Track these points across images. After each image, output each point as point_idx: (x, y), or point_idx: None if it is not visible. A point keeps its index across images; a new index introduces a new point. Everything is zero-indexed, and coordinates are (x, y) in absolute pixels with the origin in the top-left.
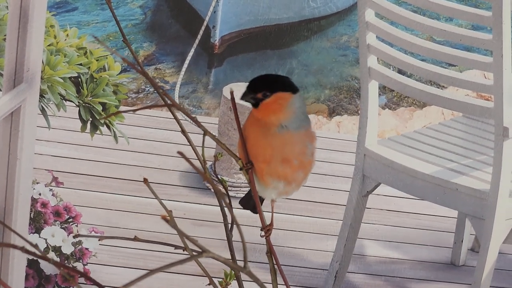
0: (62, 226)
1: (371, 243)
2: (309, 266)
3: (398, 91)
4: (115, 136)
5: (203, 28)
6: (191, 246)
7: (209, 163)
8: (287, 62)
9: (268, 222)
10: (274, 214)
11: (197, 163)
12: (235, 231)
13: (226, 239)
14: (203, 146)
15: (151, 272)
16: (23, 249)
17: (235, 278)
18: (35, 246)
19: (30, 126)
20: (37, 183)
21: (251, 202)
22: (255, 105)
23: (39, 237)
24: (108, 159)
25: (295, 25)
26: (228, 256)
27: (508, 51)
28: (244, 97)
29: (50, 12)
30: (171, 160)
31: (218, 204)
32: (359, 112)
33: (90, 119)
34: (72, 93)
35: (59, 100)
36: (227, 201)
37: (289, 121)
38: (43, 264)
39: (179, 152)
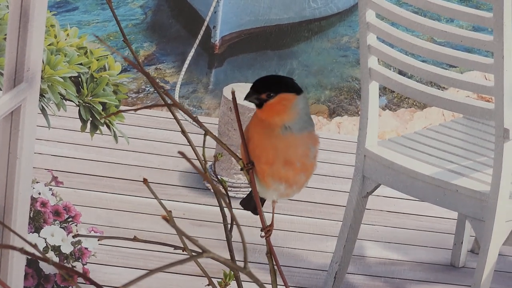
0: (62, 226)
1: (371, 244)
2: (308, 267)
3: (398, 92)
4: (115, 136)
5: (203, 28)
6: (190, 246)
7: (209, 163)
8: (287, 62)
9: (268, 222)
10: (274, 214)
11: (197, 163)
12: (235, 232)
13: (225, 239)
14: (204, 146)
15: (151, 272)
16: (22, 250)
17: (234, 279)
18: (35, 246)
19: (30, 125)
20: (37, 182)
21: (251, 203)
22: (259, 105)
23: (39, 236)
24: (108, 159)
25: (295, 25)
26: (228, 256)
27: (509, 52)
28: (248, 97)
29: (50, 11)
30: (171, 160)
31: (218, 205)
32: (359, 113)
33: (90, 118)
34: (72, 92)
35: (59, 100)
36: (227, 201)
37: (292, 122)
38: (42, 263)
39: (179, 152)
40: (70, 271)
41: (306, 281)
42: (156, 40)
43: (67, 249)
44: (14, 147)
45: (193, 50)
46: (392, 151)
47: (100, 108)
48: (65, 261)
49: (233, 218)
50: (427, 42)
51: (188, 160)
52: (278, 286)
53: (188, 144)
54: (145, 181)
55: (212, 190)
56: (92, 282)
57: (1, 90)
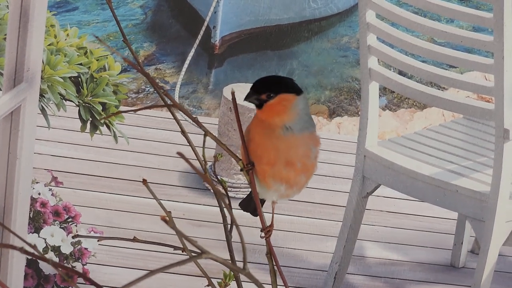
0: (62, 226)
1: (370, 245)
2: (308, 267)
3: (398, 92)
4: (115, 136)
5: (203, 28)
6: (190, 247)
7: (208, 164)
8: (287, 62)
9: (268, 223)
10: (274, 215)
11: (196, 164)
12: (235, 232)
13: (225, 239)
14: (203, 147)
15: (151, 273)
16: (22, 250)
17: (234, 279)
18: (34, 246)
19: (30, 125)
20: (37, 182)
21: (251, 205)
22: (259, 106)
23: (38, 236)
24: (107, 159)
25: (295, 25)
26: (228, 257)
27: (509, 53)
28: (248, 98)
29: (50, 11)
30: (170, 160)
31: (218, 205)
32: (359, 113)
33: (90, 119)
34: (72, 92)
35: (59, 100)
36: (227, 202)
37: (293, 122)
38: (42, 263)
39: (178, 153)
40: (70, 271)
41: (306, 282)
42: (156, 40)
43: (67, 249)
44: (14, 147)
45: (193, 50)
46: (392, 151)
47: (100, 108)
48: (65, 261)
49: (232, 219)
50: (427, 43)
51: (187, 160)
52: (278, 287)
53: (188, 144)
54: (144, 182)
55: (212, 191)
56: (92, 283)
57: (1, 90)
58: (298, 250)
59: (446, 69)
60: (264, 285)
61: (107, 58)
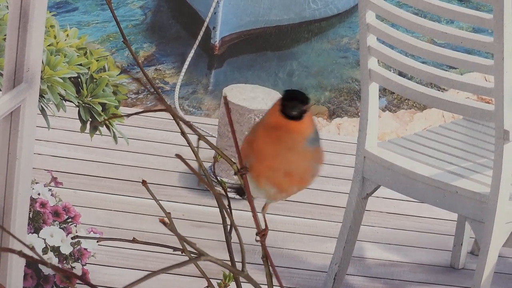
0: (61, 226)
1: (370, 246)
2: (308, 268)
3: (398, 93)
4: (114, 137)
5: (203, 29)
6: (189, 248)
7: (208, 165)
8: (287, 63)
9: (265, 226)
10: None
11: (195, 165)
12: (234, 233)
13: (225, 240)
14: (197, 150)
15: (152, 274)
16: (20, 254)
17: (233, 280)
18: (32, 249)
19: (29, 126)
20: (36, 183)
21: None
22: (297, 117)
23: (38, 237)
24: (107, 160)
25: (295, 26)
26: (227, 257)
27: (509, 53)
28: (297, 109)
29: (50, 12)
30: (170, 161)
31: (217, 206)
32: (359, 114)
33: (90, 119)
34: (72, 93)
35: (59, 100)
36: (226, 203)
37: (312, 135)
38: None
39: (177, 155)
40: (69, 273)
41: (306, 282)
42: (156, 41)
43: (66, 249)
44: (14, 148)
45: (192, 51)
46: (392, 152)
47: (99, 108)
48: (65, 261)
49: (231, 221)
50: (427, 44)
51: (185, 162)
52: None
53: (188, 145)
54: (144, 183)
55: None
56: (89, 285)
57: (0, 90)
58: (298, 251)
59: (446, 70)
60: (262, 286)
61: (106, 58)
